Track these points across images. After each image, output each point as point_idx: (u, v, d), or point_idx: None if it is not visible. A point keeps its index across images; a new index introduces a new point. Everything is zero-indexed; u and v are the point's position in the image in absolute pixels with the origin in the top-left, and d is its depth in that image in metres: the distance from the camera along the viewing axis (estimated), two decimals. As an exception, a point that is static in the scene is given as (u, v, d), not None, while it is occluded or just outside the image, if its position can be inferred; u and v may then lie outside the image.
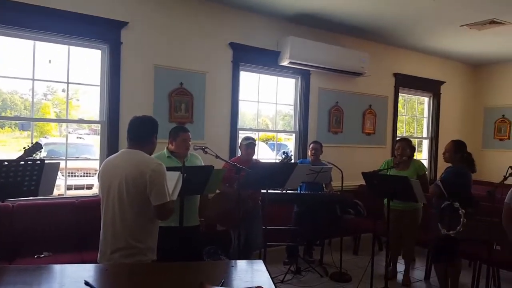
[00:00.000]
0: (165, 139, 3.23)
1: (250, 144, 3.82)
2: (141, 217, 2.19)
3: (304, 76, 5.32)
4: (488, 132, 7.02)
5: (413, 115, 6.98)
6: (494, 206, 2.93)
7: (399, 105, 6.39)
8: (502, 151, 6.72)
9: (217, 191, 3.61)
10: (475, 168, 3.79)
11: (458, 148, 3.75)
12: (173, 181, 2.28)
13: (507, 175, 3.14)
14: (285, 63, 4.88)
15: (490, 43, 5.71)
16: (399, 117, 6.44)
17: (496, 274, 4.11)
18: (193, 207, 3.08)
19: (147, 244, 2.21)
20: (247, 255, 3.82)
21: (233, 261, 2.10)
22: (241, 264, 2.07)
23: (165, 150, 3.16)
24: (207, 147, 3.11)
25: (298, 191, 4.37)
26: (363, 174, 3.72)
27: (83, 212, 3.63)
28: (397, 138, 5.60)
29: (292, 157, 4.90)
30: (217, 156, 3.13)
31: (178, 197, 2.41)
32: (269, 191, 3.57)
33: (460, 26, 4.96)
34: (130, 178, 2.14)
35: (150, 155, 2.33)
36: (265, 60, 4.92)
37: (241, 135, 4.66)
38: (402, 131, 6.73)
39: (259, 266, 1.97)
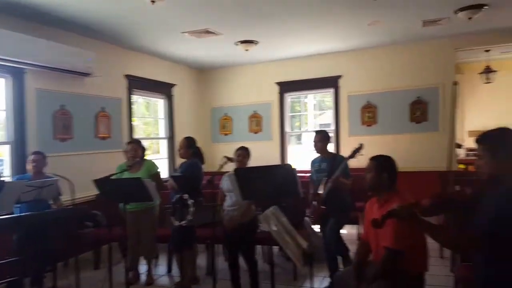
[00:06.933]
0: None
1: None
2: None
3: (16, 75, 4.46)
4: (215, 128, 8.03)
5: (156, 116, 7.15)
6: (215, 192, 3.28)
7: (142, 107, 6.35)
8: (227, 144, 7.72)
9: None
10: (204, 160, 4.20)
11: (189, 144, 4.06)
12: None
13: (223, 163, 3.62)
14: (-15, 58, 3.92)
15: (210, 50, 6.42)
16: (141, 119, 6.40)
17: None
18: None
19: None
20: None
21: None
22: None
23: None
24: None
25: (17, 214, 3.60)
26: (95, 181, 3.45)
27: None
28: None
29: (2, 173, 4.03)
30: None
31: None
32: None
33: (181, 32, 5.35)
34: None
35: None
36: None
37: None
38: (141, 133, 6.76)
39: None
